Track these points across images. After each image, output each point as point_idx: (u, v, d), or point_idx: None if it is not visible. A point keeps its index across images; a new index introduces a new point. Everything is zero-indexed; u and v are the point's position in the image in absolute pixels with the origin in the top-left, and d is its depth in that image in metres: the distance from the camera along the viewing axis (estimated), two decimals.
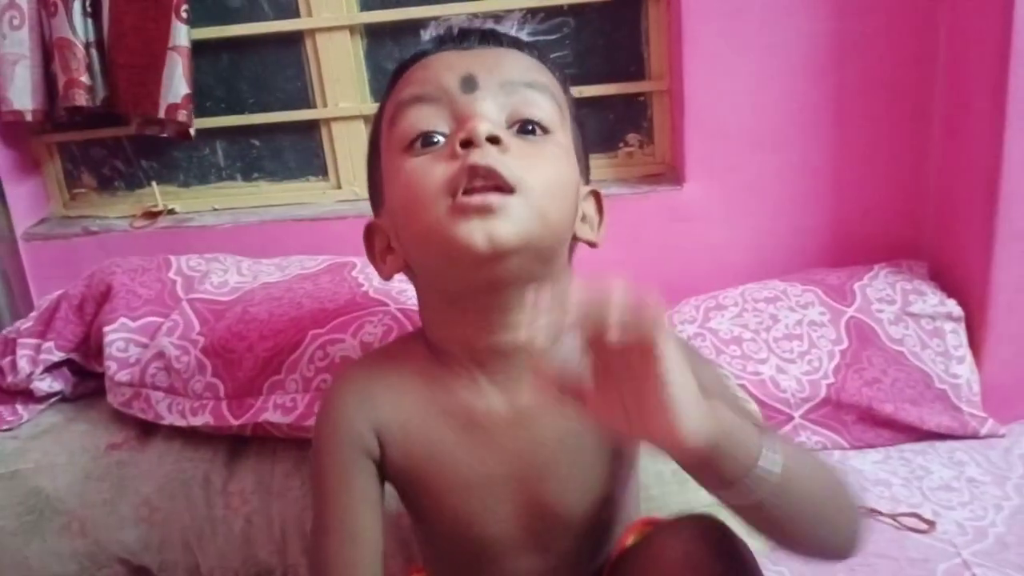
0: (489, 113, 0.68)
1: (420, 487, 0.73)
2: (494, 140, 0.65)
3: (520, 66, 0.72)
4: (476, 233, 0.64)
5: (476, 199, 0.64)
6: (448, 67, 0.70)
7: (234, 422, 1.07)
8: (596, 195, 0.78)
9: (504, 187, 0.65)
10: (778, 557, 1.12)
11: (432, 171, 0.66)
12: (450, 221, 0.65)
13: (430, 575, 0.84)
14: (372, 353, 0.82)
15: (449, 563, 0.78)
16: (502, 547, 0.73)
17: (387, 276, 0.76)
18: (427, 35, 0.75)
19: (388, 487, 0.77)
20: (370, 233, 0.78)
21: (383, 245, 0.76)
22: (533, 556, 0.73)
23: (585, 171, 0.76)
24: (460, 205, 0.64)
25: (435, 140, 0.69)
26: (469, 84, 0.69)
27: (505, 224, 0.64)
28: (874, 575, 1.08)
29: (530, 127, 0.69)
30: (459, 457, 0.71)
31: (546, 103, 0.71)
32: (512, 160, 0.66)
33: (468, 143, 0.65)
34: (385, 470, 0.75)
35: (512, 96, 0.69)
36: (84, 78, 1.52)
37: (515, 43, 0.74)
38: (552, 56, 0.79)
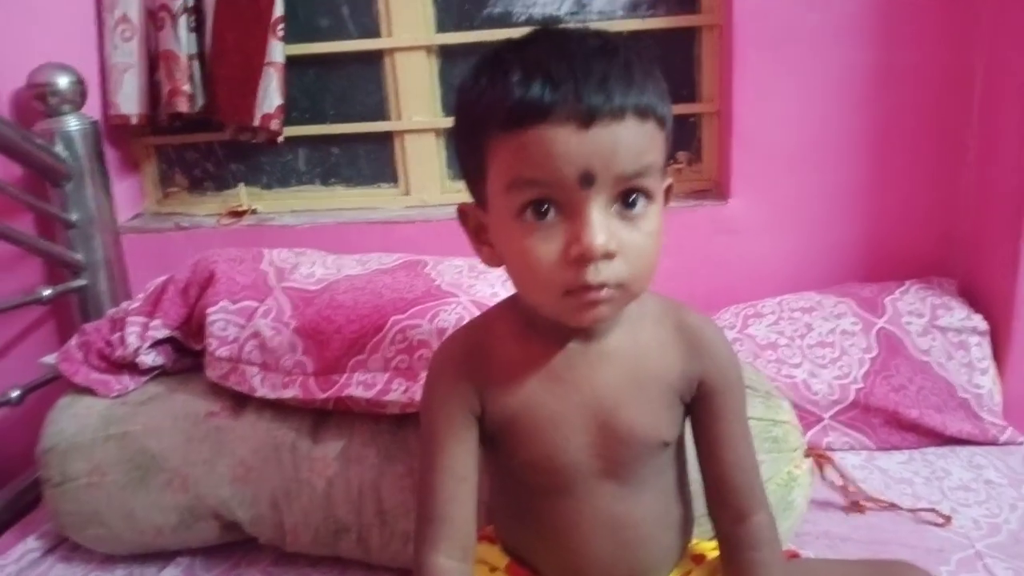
0: (601, 220, 0.73)
1: (513, 430, 0.86)
2: (608, 256, 0.73)
3: (635, 150, 0.73)
4: (584, 317, 0.77)
5: (588, 298, 0.75)
6: (567, 159, 0.71)
7: (320, 396, 1.20)
8: (669, 187, 0.84)
9: (611, 287, 0.75)
10: (803, 541, 1.23)
11: (546, 255, 0.74)
12: (561, 304, 0.77)
13: (501, 528, 0.96)
14: (469, 323, 0.94)
15: (528, 502, 0.89)
16: (580, 475, 0.85)
17: (489, 264, 0.85)
18: (538, 87, 0.71)
19: None
20: (463, 216, 0.85)
21: (476, 224, 0.83)
22: (605, 484, 0.85)
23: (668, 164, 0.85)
24: (573, 300, 0.76)
25: (545, 209, 0.74)
26: (586, 180, 0.72)
27: (609, 309, 0.77)
28: None
29: (634, 199, 0.75)
30: (546, 400, 0.85)
31: (652, 180, 0.76)
32: (620, 264, 0.74)
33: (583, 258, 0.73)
34: (484, 422, 0.88)
35: (624, 184, 0.74)
36: (186, 87, 1.69)
37: (635, 103, 0.73)
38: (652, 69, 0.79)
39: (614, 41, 0.76)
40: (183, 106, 1.69)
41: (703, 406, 0.88)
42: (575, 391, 0.85)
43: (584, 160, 0.71)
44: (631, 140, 0.73)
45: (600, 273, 0.73)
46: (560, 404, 0.85)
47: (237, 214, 1.84)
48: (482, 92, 0.76)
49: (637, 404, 0.85)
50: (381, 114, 1.81)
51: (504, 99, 0.73)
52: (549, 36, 0.77)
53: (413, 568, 0.85)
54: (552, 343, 0.85)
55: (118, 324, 1.37)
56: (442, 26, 1.74)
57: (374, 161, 1.85)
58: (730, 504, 0.88)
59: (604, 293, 0.75)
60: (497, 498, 0.95)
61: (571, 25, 0.82)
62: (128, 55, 1.72)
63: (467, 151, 0.81)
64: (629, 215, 0.75)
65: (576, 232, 0.73)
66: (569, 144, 0.71)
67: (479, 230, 0.84)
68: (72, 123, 1.59)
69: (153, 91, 1.75)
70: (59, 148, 1.57)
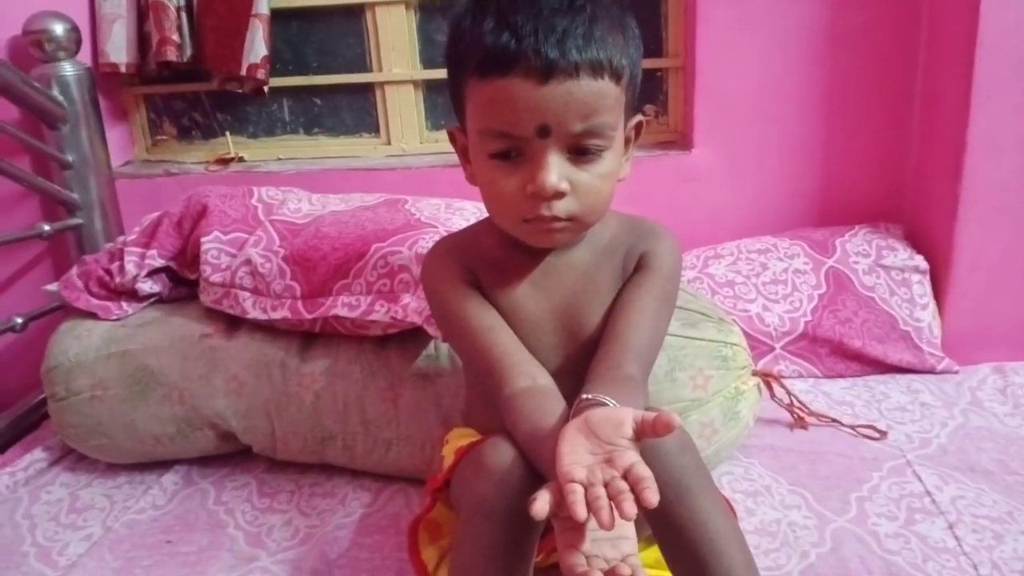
0: (555, 165, 0.85)
1: None
2: (558, 195, 0.86)
3: (585, 110, 0.84)
4: (542, 240, 0.93)
5: (543, 227, 0.89)
6: (527, 112, 0.83)
7: (308, 316, 1.30)
8: (638, 125, 0.96)
9: (564, 219, 0.88)
10: (750, 452, 1.35)
11: (508, 188, 0.88)
12: (520, 228, 0.91)
13: (475, 417, 1.06)
14: (458, 231, 1.06)
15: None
16: (549, 371, 0.95)
17: (471, 182, 0.97)
18: (504, 38, 0.83)
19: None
20: (452, 137, 0.97)
21: (461, 145, 0.96)
22: (566, 380, 0.94)
23: (635, 105, 0.94)
24: (530, 227, 0.90)
25: (512, 154, 0.87)
26: (543, 132, 0.84)
27: (564, 236, 0.92)
28: (830, 468, 1.30)
29: (587, 147, 0.86)
30: (526, 303, 0.98)
31: (605, 133, 0.86)
32: (571, 200, 0.87)
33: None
34: None
35: (577, 137, 0.85)
36: (175, 36, 1.76)
37: (590, 60, 0.83)
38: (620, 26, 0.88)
39: None
40: (172, 55, 1.76)
41: (631, 278, 0.99)
42: (547, 298, 0.98)
43: (541, 115, 0.83)
44: (583, 99, 0.83)
45: (552, 208, 0.87)
46: (536, 308, 0.98)
47: (224, 161, 1.92)
48: (464, 33, 0.88)
49: (595, 308, 0.98)
50: (362, 66, 1.89)
51: (478, 45, 0.84)
52: None
53: (504, 421, 0.89)
54: (532, 254, 0.97)
55: (116, 255, 1.46)
56: None
57: (356, 111, 1.93)
58: (610, 354, 0.92)
59: (557, 224, 0.89)
60: (472, 391, 1.06)
61: None
62: (117, 5, 1.78)
63: (452, 84, 0.93)
64: (583, 160, 0.87)
65: (533, 173, 0.86)
66: (529, 98, 0.83)
67: (464, 150, 0.96)
68: (67, 69, 1.66)
69: (142, 41, 1.82)
70: (55, 92, 1.64)
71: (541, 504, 0.71)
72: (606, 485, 0.70)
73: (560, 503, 0.71)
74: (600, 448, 0.74)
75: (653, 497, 0.68)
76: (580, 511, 0.68)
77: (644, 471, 0.70)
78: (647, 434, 0.74)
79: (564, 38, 0.82)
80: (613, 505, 0.68)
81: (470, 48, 0.86)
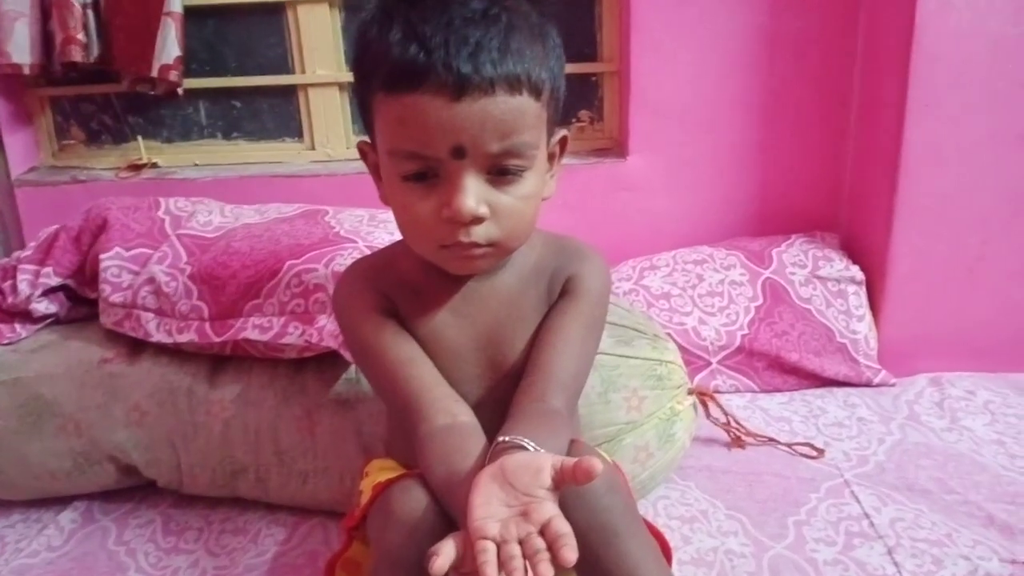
0: (472, 188, 0.78)
1: None
2: (477, 220, 0.79)
3: (503, 129, 0.76)
4: (461, 268, 0.85)
5: (462, 254, 0.81)
6: (440, 132, 0.75)
7: (216, 339, 1.21)
8: (563, 140, 0.89)
9: (484, 245, 0.81)
10: (687, 473, 1.30)
11: (423, 212, 0.80)
12: (438, 255, 0.83)
13: (396, 451, 0.99)
14: (375, 252, 0.98)
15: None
16: (469, 404, 0.88)
17: (384, 202, 0.88)
18: (412, 51, 0.75)
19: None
20: (363, 153, 0.89)
21: (373, 162, 0.88)
22: (488, 412, 0.88)
23: (558, 119, 0.87)
24: (448, 253, 0.82)
25: (426, 175, 0.79)
26: (458, 153, 0.76)
27: (485, 262, 0.84)
28: (767, 490, 1.26)
29: (506, 168, 0.79)
30: (447, 332, 0.90)
31: (525, 152, 0.79)
32: (491, 225, 0.80)
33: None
34: None
35: (496, 158, 0.78)
36: (80, 36, 1.65)
37: (506, 74, 0.76)
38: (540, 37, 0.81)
39: (501, 4, 0.78)
40: (77, 55, 1.65)
41: (556, 304, 0.92)
42: (469, 326, 0.90)
43: (455, 135, 0.75)
44: (500, 117, 0.76)
45: (471, 234, 0.79)
46: (457, 336, 0.90)
47: (136, 167, 1.82)
48: (369, 44, 0.80)
49: (520, 336, 0.91)
50: (284, 68, 1.80)
51: (384, 58, 0.77)
52: None
53: (419, 463, 0.82)
54: (452, 279, 0.89)
55: (9, 272, 1.35)
56: None
57: (277, 115, 1.84)
58: (534, 386, 0.86)
59: (477, 251, 0.81)
60: (394, 418, 0.99)
61: None
62: (19, 3, 1.67)
63: (359, 99, 0.85)
64: (503, 181, 0.80)
65: (449, 196, 0.78)
66: (441, 117, 0.75)
67: (376, 168, 0.88)
68: None
69: (47, 40, 1.70)
70: None
71: (442, 561, 0.65)
72: (521, 542, 0.64)
73: (468, 557, 0.65)
74: (516, 499, 0.68)
75: (571, 555, 0.62)
76: (491, 573, 0.62)
77: (563, 526, 0.64)
78: (567, 482, 0.68)
79: (477, 51, 0.75)
80: (528, 566, 0.62)
81: (376, 61, 0.78)
